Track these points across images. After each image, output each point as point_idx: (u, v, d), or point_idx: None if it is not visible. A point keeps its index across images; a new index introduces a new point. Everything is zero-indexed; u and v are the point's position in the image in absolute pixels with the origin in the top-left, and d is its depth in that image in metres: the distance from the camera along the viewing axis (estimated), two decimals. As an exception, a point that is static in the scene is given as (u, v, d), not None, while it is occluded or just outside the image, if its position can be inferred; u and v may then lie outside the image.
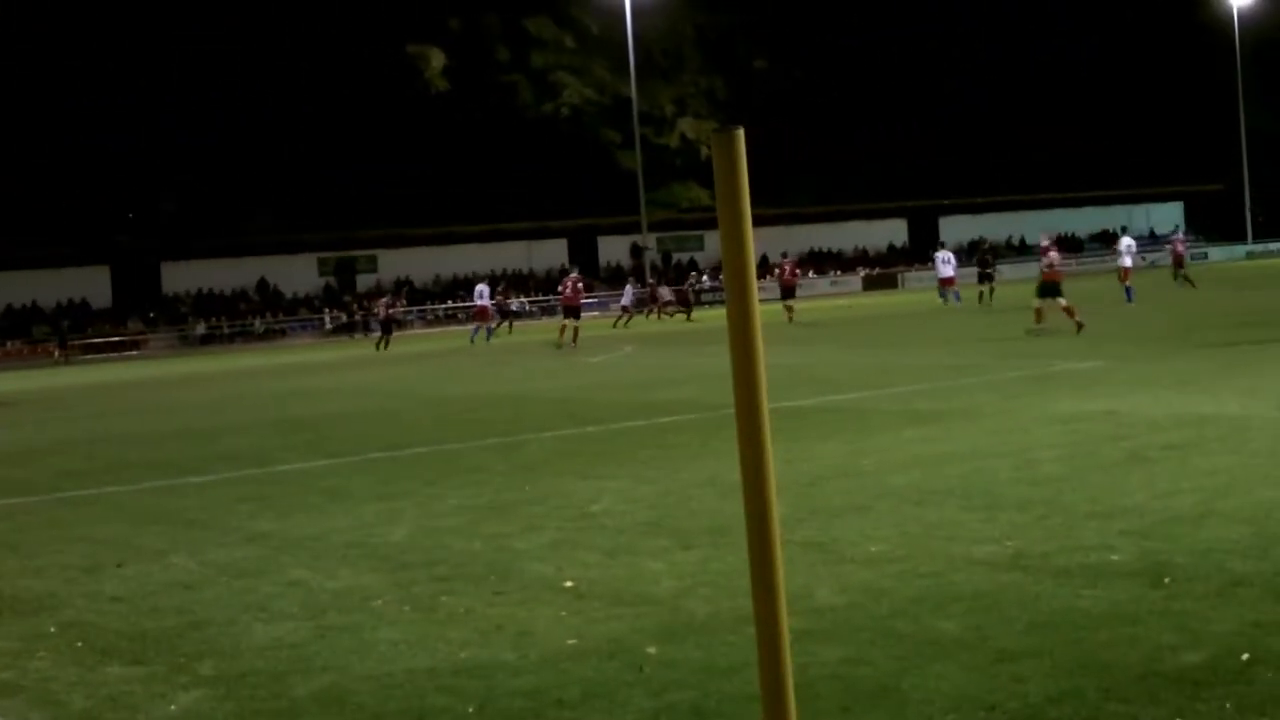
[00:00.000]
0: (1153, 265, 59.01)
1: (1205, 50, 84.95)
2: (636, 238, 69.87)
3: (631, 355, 28.32)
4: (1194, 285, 38.50)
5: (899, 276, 75.34)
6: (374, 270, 71.06)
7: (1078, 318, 23.11)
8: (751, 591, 2.99)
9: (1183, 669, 4.84)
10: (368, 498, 10.24)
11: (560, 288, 37.12)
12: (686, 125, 79.19)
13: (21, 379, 40.60)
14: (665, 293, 53.71)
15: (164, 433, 17.56)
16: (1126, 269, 33.90)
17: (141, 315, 64.41)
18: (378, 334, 42.60)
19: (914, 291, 64.70)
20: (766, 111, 75.61)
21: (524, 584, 6.96)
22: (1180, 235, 50.63)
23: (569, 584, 6.85)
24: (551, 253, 74.56)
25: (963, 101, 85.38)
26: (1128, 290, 33.13)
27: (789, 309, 37.52)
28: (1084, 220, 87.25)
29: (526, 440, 13.29)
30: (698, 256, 76.24)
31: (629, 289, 52.42)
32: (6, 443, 18.01)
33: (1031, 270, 78.37)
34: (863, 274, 77.03)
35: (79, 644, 6.42)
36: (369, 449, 13.58)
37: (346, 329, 63.74)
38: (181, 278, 66.94)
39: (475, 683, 5.31)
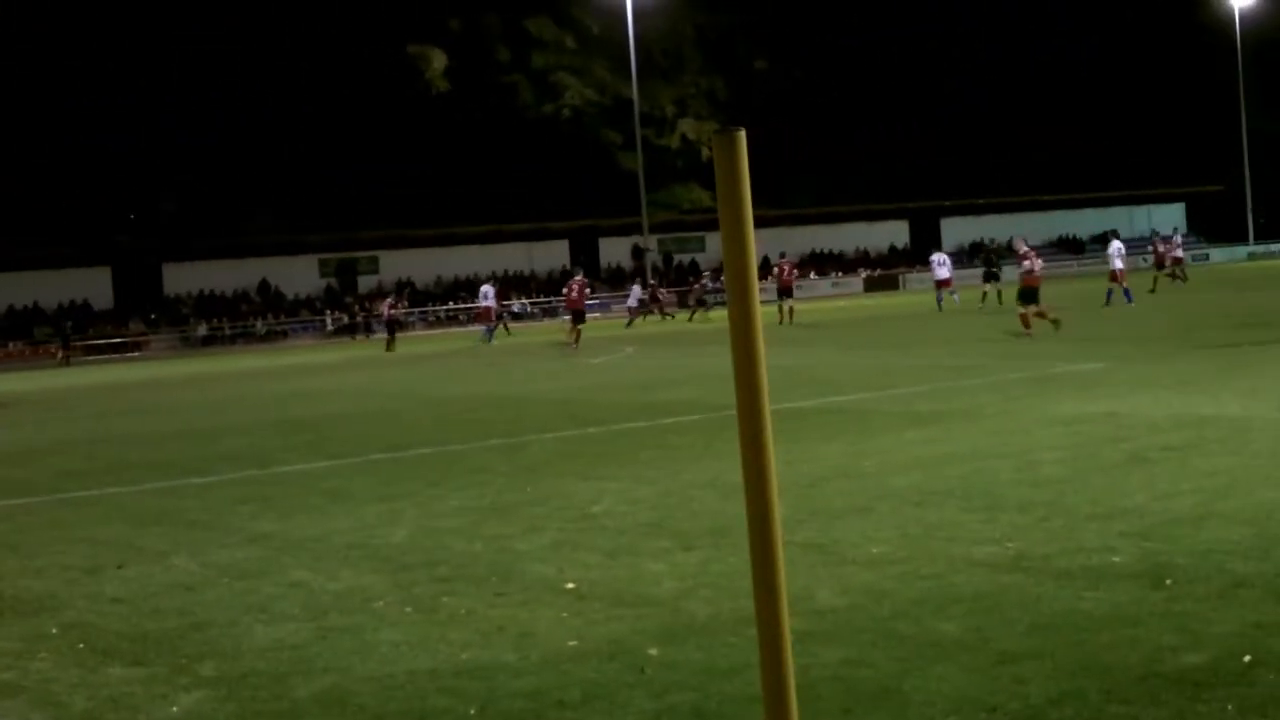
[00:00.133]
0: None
1: (1206, 51, 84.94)
2: (638, 239, 69.87)
3: (632, 356, 28.32)
4: (1172, 283, 38.54)
5: (900, 278, 75.35)
6: (375, 271, 71.08)
7: (1051, 316, 23.75)
8: (753, 593, 2.99)
9: (1184, 670, 4.84)
10: (369, 499, 10.24)
11: (565, 290, 37.16)
12: (687, 126, 79.22)
13: (23, 380, 40.61)
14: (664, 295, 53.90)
15: (165, 433, 17.56)
16: (1120, 271, 34.04)
17: (143, 316, 64.44)
18: (386, 335, 42.73)
19: (916, 293, 64.66)
20: (767, 112, 75.66)
21: (525, 585, 6.96)
22: (1161, 236, 50.80)
23: (570, 585, 6.85)
24: (553, 254, 74.58)
25: (963, 102, 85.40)
26: (1126, 291, 33.28)
27: (787, 310, 37.62)
28: (1085, 221, 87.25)
29: (528, 441, 13.29)
30: (699, 258, 76.26)
31: (635, 289, 52.48)
32: (8, 443, 18.01)
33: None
34: (864, 275, 77.04)
35: (80, 645, 6.42)
36: (370, 450, 13.58)
37: (348, 330, 63.76)
38: (183, 279, 66.97)
39: (476, 684, 5.31)
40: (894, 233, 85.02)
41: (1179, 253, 53.50)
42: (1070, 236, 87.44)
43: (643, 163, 65.33)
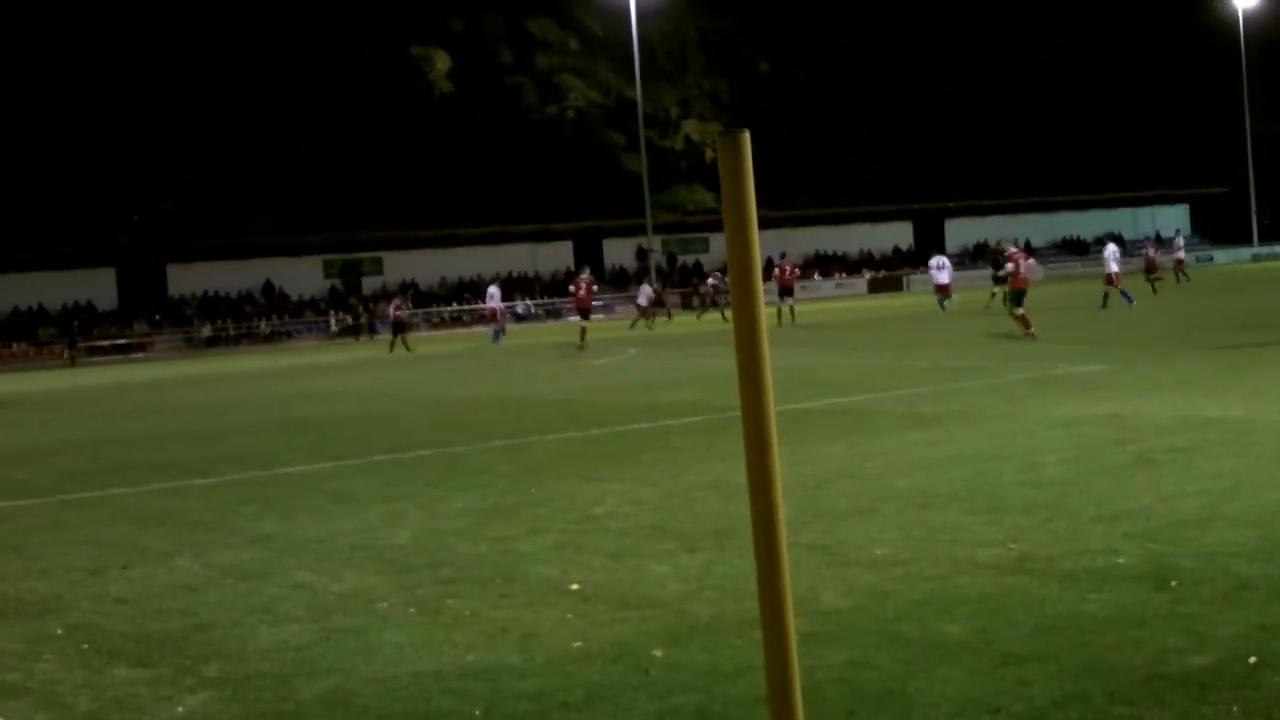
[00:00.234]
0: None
1: (1210, 52, 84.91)
2: (641, 240, 69.89)
3: (635, 357, 28.32)
4: (1178, 284, 38.63)
5: (904, 279, 75.35)
6: (379, 273, 71.12)
7: (1033, 328, 24.06)
8: (757, 594, 2.98)
9: (1189, 672, 4.83)
10: (372, 500, 10.25)
11: (572, 288, 37.20)
12: (691, 127, 79.20)
13: (28, 380, 40.66)
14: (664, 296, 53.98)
15: (169, 434, 17.57)
16: (1116, 274, 34.23)
17: (147, 317, 64.48)
18: (398, 336, 42.76)
19: (919, 294, 64.65)
20: (770, 113, 75.67)
21: (529, 586, 6.96)
22: (1154, 241, 51.00)
23: (574, 587, 6.85)
24: (557, 255, 74.59)
25: (967, 103, 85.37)
26: (1123, 293, 33.55)
27: (788, 310, 37.76)
28: (1089, 223, 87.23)
29: (531, 443, 13.29)
30: (703, 259, 76.28)
31: (645, 289, 52.52)
32: (11, 444, 18.03)
33: (1033, 272, 78.30)
34: (868, 277, 77.06)
35: (84, 646, 6.43)
36: (373, 451, 13.59)
37: (352, 331, 63.79)
38: (187, 280, 67.02)
39: (481, 685, 5.32)
40: (898, 234, 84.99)
41: (1181, 254, 53.56)
42: (1075, 238, 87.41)
43: (646, 164, 65.35)
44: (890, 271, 78.43)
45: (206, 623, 6.70)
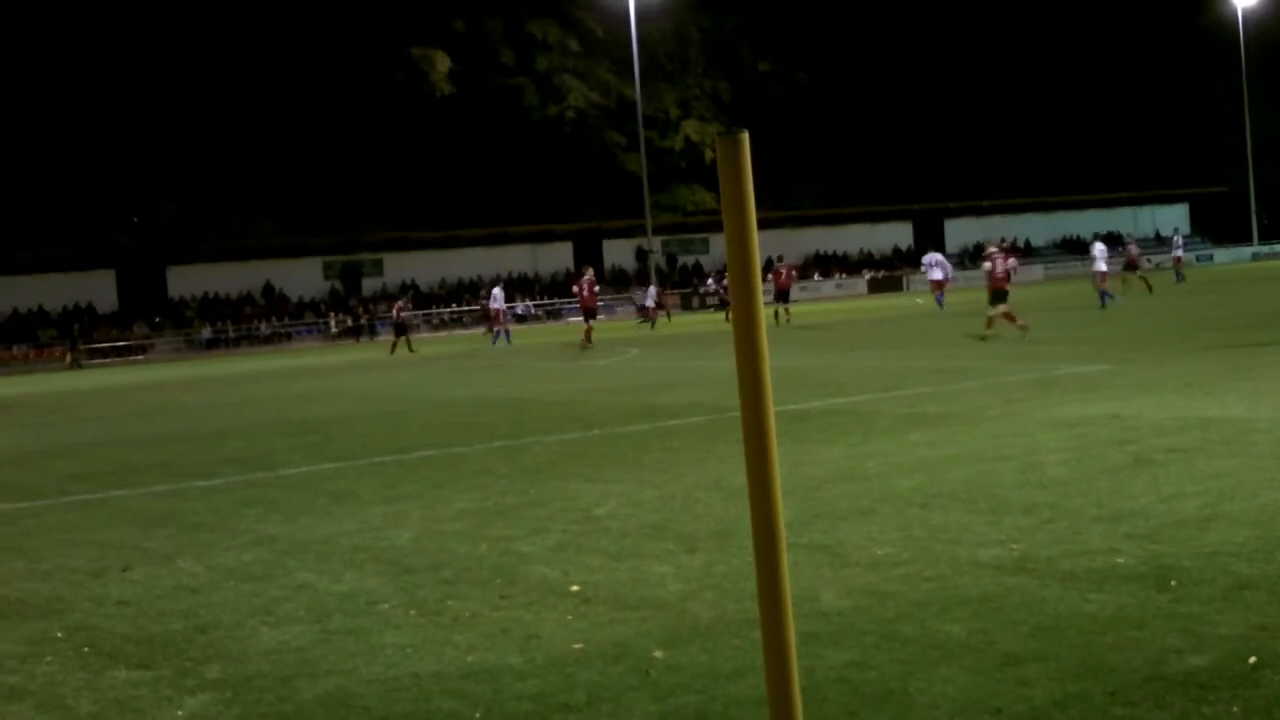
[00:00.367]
0: (1157, 267, 58.99)
1: (1210, 52, 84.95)
2: (641, 241, 69.91)
3: (635, 358, 28.33)
4: (1150, 290, 38.62)
5: (904, 279, 75.38)
6: (380, 274, 71.14)
7: (992, 330, 24.42)
8: (757, 595, 2.99)
9: (1189, 672, 4.84)
10: (374, 501, 10.25)
11: (575, 287, 37.27)
12: (691, 128, 79.23)
13: (29, 383, 40.66)
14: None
15: (170, 436, 17.58)
16: (1103, 274, 34.32)
17: (147, 319, 64.49)
18: (400, 337, 42.79)
19: (919, 294, 64.67)
20: (770, 114, 75.69)
21: (530, 587, 6.97)
22: (1133, 240, 51.18)
23: (575, 588, 6.85)
24: (557, 256, 74.61)
25: (967, 103, 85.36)
26: (1108, 294, 33.66)
27: (784, 311, 38.00)
28: (1090, 222, 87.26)
29: (531, 443, 13.29)
30: (703, 260, 76.29)
31: (651, 289, 52.53)
32: (12, 446, 18.03)
33: (1035, 272, 78.26)
34: (868, 277, 77.08)
35: (86, 648, 6.43)
36: (375, 452, 13.59)
37: (352, 333, 63.80)
38: (187, 281, 67.04)
39: (481, 686, 5.32)
40: (898, 234, 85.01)
41: (1179, 253, 53.69)
42: (1075, 237, 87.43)
43: (646, 165, 65.38)
44: (890, 272, 78.45)
45: (208, 624, 6.71)
